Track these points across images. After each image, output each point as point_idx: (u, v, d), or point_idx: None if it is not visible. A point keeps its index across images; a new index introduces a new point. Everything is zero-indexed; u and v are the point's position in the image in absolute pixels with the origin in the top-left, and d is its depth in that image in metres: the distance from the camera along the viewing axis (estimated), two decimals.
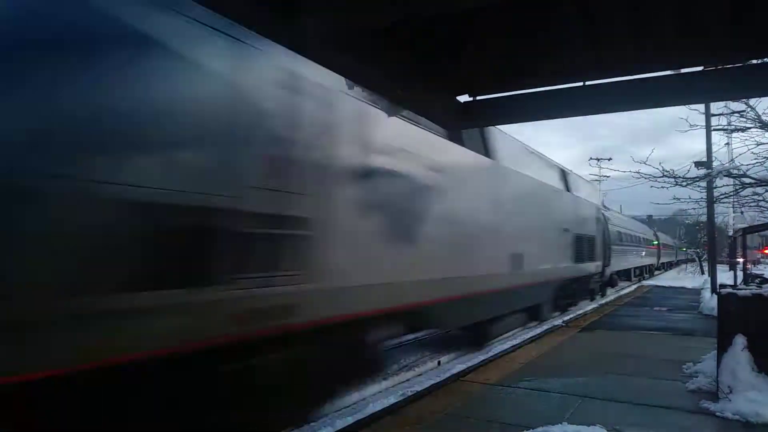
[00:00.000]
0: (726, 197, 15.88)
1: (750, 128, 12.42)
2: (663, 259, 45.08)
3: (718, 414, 5.31)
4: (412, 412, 5.41)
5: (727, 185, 14.96)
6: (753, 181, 12.31)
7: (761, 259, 44.22)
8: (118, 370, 3.23)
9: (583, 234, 14.90)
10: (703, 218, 24.72)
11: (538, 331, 11.30)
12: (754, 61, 4.42)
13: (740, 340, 5.80)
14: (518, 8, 3.71)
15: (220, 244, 3.79)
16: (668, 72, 4.32)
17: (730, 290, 6.27)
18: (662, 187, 12.88)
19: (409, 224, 6.23)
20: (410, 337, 9.03)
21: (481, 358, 8.44)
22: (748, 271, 17.51)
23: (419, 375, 8.33)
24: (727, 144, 17.11)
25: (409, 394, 6.33)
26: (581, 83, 4.37)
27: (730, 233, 27.32)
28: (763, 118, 11.69)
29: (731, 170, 12.83)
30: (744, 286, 7.59)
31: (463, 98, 4.82)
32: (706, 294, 16.87)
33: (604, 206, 23.97)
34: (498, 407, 5.58)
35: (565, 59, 4.23)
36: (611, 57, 4.17)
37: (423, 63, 4.04)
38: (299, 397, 5.00)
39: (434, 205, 6.74)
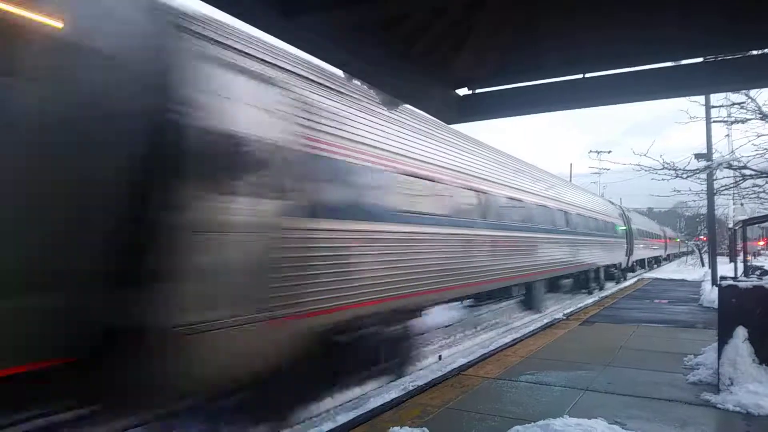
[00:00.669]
0: (726, 189, 15.84)
1: (750, 120, 12.38)
2: (669, 251, 50.96)
3: (719, 406, 5.32)
4: (414, 406, 5.42)
5: (728, 177, 14.93)
6: (753, 172, 12.28)
7: (761, 251, 44.24)
8: None
9: (618, 239, 24.56)
10: (703, 210, 24.73)
11: (539, 324, 11.31)
12: (755, 52, 4.39)
13: (741, 332, 5.80)
14: (519, 1, 3.69)
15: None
16: (669, 63, 4.30)
17: (730, 282, 6.27)
18: (662, 179, 12.84)
19: (571, 243, 15.88)
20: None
21: (482, 352, 8.45)
22: (749, 263, 17.49)
23: (420, 369, 8.34)
24: (727, 136, 17.07)
25: (411, 388, 6.34)
26: (581, 75, 4.35)
27: (731, 225, 27.29)
28: (764, 109, 11.64)
29: (731, 162, 12.79)
30: (744, 278, 7.58)
31: (462, 91, 4.80)
32: (707, 286, 16.87)
33: (626, 209, 31.08)
34: (499, 401, 5.59)
35: (565, 52, 4.21)
36: (612, 49, 4.14)
37: (422, 57, 4.02)
38: None
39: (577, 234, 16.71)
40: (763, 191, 13.78)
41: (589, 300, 16.25)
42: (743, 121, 12.57)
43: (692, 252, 56.32)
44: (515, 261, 11.45)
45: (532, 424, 4.65)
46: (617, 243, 23.85)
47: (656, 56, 4.16)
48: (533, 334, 9.77)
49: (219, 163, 4.51)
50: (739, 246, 18.12)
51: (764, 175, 12.26)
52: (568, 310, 13.52)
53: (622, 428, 4.55)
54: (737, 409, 5.20)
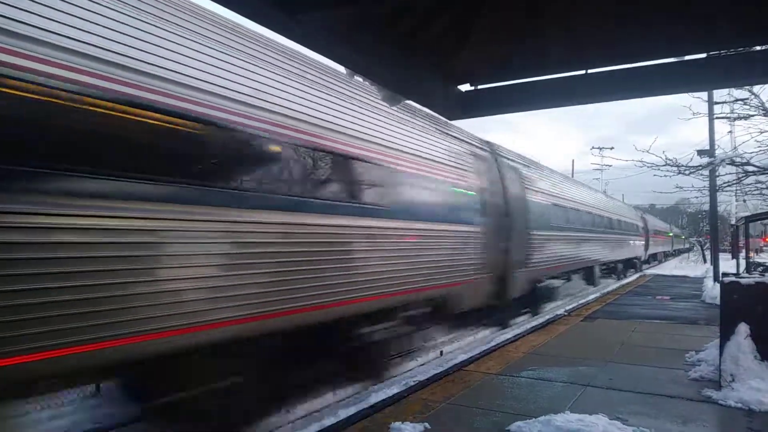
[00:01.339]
0: (729, 186, 15.81)
1: (753, 116, 12.35)
2: (675, 247, 61.39)
3: (720, 402, 5.32)
4: (415, 401, 5.43)
5: (730, 173, 14.90)
6: (756, 169, 12.25)
7: (764, 248, 44.16)
8: None
9: (640, 237, 31.44)
10: (706, 207, 24.77)
11: (541, 320, 11.31)
12: (758, 48, 4.37)
13: (743, 328, 5.80)
14: None
15: None
16: (672, 59, 4.28)
17: (732, 278, 6.26)
18: (665, 175, 12.83)
19: (608, 242, 21.40)
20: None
21: (483, 347, 8.46)
22: (751, 260, 17.47)
23: (421, 365, 8.36)
24: (730, 132, 17.02)
25: (412, 383, 6.35)
26: (584, 71, 4.33)
27: (733, 222, 27.26)
28: (767, 105, 11.61)
29: (734, 158, 12.76)
30: (747, 275, 7.58)
31: (465, 87, 4.78)
32: (709, 283, 16.85)
33: (645, 212, 39.79)
34: (500, 396, 5.60)
35: (568, 47, 4.19)
36: (615, 44, 4.12)
37: (424, 53, 4.01)
38: None
39: (611, 235, 22.01)
40: (766, 188, 13.74)
41: (591, 296, 16.26)
42: (746, 117, 12.56)
43: (692, 248, 64.17)
44: (594, 253, 18.94)
45: (534, 419, 4.66)
46: (639, 240, 31.41)
47: (659, 52, 4.14)
48: (534, 330, 9.77)
49: (528, 208, 11.93)
50: (742, 243, 18.09)
51: (767, 172, 12.23)
52: (570, 306, 13.52)
53: (624, 424, 4.55)
54: (739, 405, 5.20)
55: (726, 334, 5.88)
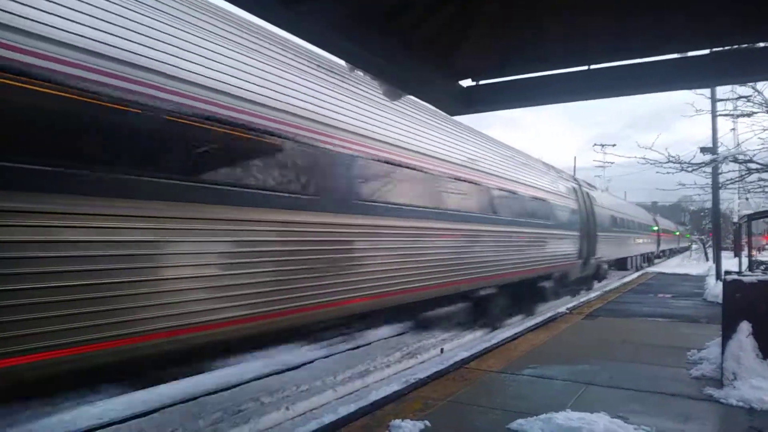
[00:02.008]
0: (731, 183, 15.77)
1: (756, 113, 12.31)
2: (681, 244, 66.51)
3: (722, 401, 5.29)
4: (415, 399, 5.41)
5: (733, 171, 14.85)
6: (759, 166, 12.21)
7: (766, 246, 44.06)
8: None
9: (653, 236, 37.84)
10: (708, 204, 24.74)
11: (542, 318, 11.29)
12: (762, 44, 4.33)
13: (745, 327, 5.77)
14: None
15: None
16: (674, 55, 4.24)
17: (735, 277, 6.23)
18: (667, 173, 12.79)
19: (636, 240, 29.80)
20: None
21: (484, 345, 8.44)
22: (753, 258, 17.42)
23: (422, 362, 8.35)
24: (733, 129, 16.97)
25: (412, 381, 6.33)
26: (586, 67, 4.29)
27: (735, 219, 27.20)
28: None
29: (737, 155, 12.72)
30: (749, 273, 7.54)
31: (466, 83, 4.75)
32: (711, 281, 16.81)
33: (655, 214, 46.53)
34: (501, 394, 5.58)
35: (570, 43, 4.16)
36: (617, 40, 4.09)
37: (425, 47, 3.98)
38: None
39: (637, 235, 30.12)
40: None
41: (592, 294, 16.24)
42: (749, 114, 12.52)
43: (689, 247, 67.99)
44: (629, 248, 26.93)
45: (535, 417, 4.64)
46: (654, 238, 38.64)
47: (662, 48, 4.11)
48: (536, 327, 9.75)
49: (595, 218, 18.49)
50: (744, 241, 18.04)
51: None
52: (571, 304, 13.50)
53: (625, 422, 4.52)
54: (740, 404, 5.17)
55: (728, 333, 5.85)
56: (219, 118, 4.86)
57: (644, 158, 12.66)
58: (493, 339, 9.09)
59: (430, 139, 8.66)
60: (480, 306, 10.44)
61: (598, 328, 9.69)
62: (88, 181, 3.82)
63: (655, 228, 39.26)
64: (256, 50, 5.58)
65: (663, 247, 45.87)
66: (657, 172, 12.85)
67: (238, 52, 5.28)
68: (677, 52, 4.18)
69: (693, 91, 12.66)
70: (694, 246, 62.10)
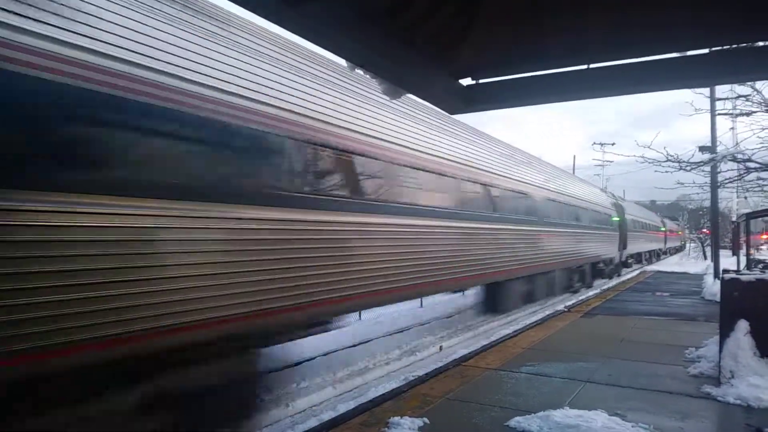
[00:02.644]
0: (730, 182, 15.78)
1: (755, 112, 12.31)
2: (684, 242, 72.14)
3: (719, 399, 5.32)
4: (414, 396, 5.43)
5: (731, 170, 14.86)
6: (758, 165, 12.22)
7: (764, 245, 44.13)
8: None
9: (660, 235, 42.67)
10: (707, 203, 24.84)
11: (541, 316, 11.32)
12: (761, 43, 4.34)
13: (743, 325, 5.79)
14: None
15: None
16: (674, 54, 4.25)
17: (733, 275, 6.25)
18: (666, 171, 12.80)
19: (650, 238, 37.06)
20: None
21: (483, 343, 8.46)
22: (751, 257, 17.44)
23: (421, 360, 8.37)
24: (732, 128, 16.97)
25: (411, 378, 6.35)
26: (586, 66, 4.30)
27: (734, 218, 27.23)
28: None
29: (736, 154, 12.72)
30: (747, 271, 7.56)
31: (466, 81, 4.75)
32: (709, 279, 16.84)
33: (662, 215, 51.22)
34: (499, 392, 5.60)
35: (569, 41, 4.17)
36: (616, 39, 4.10)
37: (426, 45, 3.98)
38: None
39: (651, 234, 37.50)
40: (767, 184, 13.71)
41: (591, 292, 16.27)
42: (748, 113, 12.51)
43: (683, 245, 68.89)
44: (646, 245, 34.83)
45: (533, 414, 4.67)
46: (662, 237, 44.60)
47: (662, 46, 4.11)
48: (535, 325, 9.78)
49: (626, 223, 25.91)
50: (742, 239, 18.05)
51: None
52: (570, 303, 13.52)
53: (622, 420, 4.55)
54: (738, 402, 5.20)
55: (726, 331, 5.88)
56: None
57: (643, 157, 12.66)
58: (491, 336, 9.12)
59: (535, 173, 13.87)
60: (577, 272, 18.09)
61: (597, 326, 9.72)
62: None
63: (663, 228, 46.04)
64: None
65: (669, 245, 53.05)
66: (656, 171, 12.85)
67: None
68: (676, 51, 4.18)
69: (692, 90, 12.68)
70: (692, 245, 61.33)
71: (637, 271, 26.20)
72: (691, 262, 36.93)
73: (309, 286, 5.37)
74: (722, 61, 4.24)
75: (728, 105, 14.97)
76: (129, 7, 4.07)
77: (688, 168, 12.98)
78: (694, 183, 15.14)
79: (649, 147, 12.29)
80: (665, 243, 47.96)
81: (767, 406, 5.07)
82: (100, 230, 3.61)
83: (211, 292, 4.32)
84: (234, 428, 5.04)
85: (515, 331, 9.12)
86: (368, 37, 3.48)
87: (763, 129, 12.23)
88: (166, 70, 4.16)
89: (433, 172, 7.92)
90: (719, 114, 15.89)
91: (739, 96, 12.48)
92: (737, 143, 13.72)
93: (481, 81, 4.72)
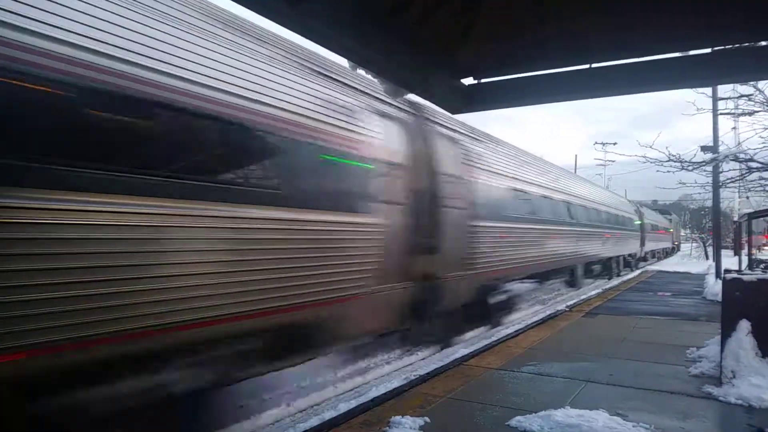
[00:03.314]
0: (732, 182, 15.76)
1: (758, 112, 12.30)
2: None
3: (721, 399, 5.32)
4: (415, 395, 5.43)
5: (734, 170, 14.84)
6: (760, 165, 12.20)
7: (766, 245, 44.06)
8: None
9: (671, 236, 48.63)
10: (709, 203, 24.78)
11: (542, 316, 11.32)
12: (764, 43, 4.34)
13: (744, 325, 5.78)
14: None
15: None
16: (676, 54, 4.25)
17: (735, 275, 6.24)
18: (668, 171, 12.79)
19: (661, 238, 42.22)
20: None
21: (484, 342, 8.46)
22: (753, 257, 17.42)
23: (422, 359, 8.36)
24: (734, 128, 16.95)
25: (412, 378, 6.36)
26: (587, 65, 4.30)
27: (736, 218, 27.20)
28: None
29: (738, 154, 12.71)
30: (749, 271, 7.55)
31: (468, 81, 4.76)
32: (710, 279, 16.81)
33: (675, 216, 54.36)
34: (501, 391, 5.60)
35: (571, 41, 4.17)
36: (618, 38, 4.10)
37: (427, 45, 3.99)
38: None
39: (663, 235, 42.24)
40: None
41: (593, 292, 16.26)
42: (751, 113, 12.50)
43: (677, 245, 67.09)
44: (658, 244, 39.76)
45: (534, 414, 4.67)
46: (672, 236, 48.91)
47: (664, 46, 4.11)
48: (536, 325, 9.77)
49: (645, 226, 33.27)
50: (744, 239, 18.03)
51: None
52: (572, 302, 13.52)
53: (623, 419, 4.55)
54: (739, 402, 5.20)
55: (727, 331, 5.87)
56: None
57: (645, 157, 12.66)
58: (493, 336, 9.12)
59: (603, 196, 22.06)
60: (618, 262, 23.44)
61: (598, 325, 9.72)
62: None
63: (671, 229, 49.48)
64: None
65: (678, 242, 56.68)
66: (657, 171, 12.85)
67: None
68: (679, 51, 4.18)
69: (694, 89, 12.67)
70: (693, 244, 60.66)
71: (639, 271, 26.18)
72: (693, 262, 36.88)
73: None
74: (724, 60, 4.24)
75: (730, 105, 14.95)
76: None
77: (690, 168, 12.99)
78: (696, 183, 15.14)
79: (651, 147, 12.29)
80: (674, 242, 52.83)
81: None
82: None
83: None
84: None
85: (516, 331, 9.12)
86: (370, 36, 3.48)
87: (766, 129, 12.23)
88: None
89: (556, 199, 13.88)
90: (721, 114, 15.88)
91: (742, 95, 12.46)
92: (739, 143, 13.71)
93: (482, 80, 4.72)
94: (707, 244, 40.69)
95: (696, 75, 4.42)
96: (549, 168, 15.48)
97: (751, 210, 17.84)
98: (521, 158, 12.64)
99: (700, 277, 20.34)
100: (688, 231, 73.93)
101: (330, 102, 5.68)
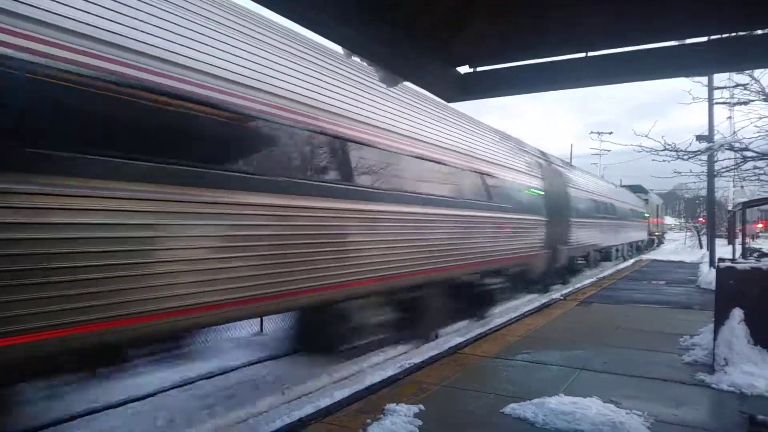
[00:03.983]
0: (727, 171, 15.81)
1: (753, 101, 12.32)
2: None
3: (713, 386, 5.36)
4: (410, 383, 5.46)
5: (728, 159, 14.89)
6: (755, 154, 12.24)
7: (760, 233, 44.34)
8: None
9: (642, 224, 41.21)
10: (703, 192, 24.82)
11: (537, 304, 11.37)
12: (760, 32, 4.32)
13: (737, 313, 5.82)
14: None
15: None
16: (672, 43, 4.23)
17: (728, 264, 6.27)
18: (663, 160, 12.81)
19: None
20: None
21: (479, 331, 8.50)
22: (747, 245, 17.51)
23: (417, 348, 8.40)
24: (729, 117, 16.97)
25: (407, 366, 6.39)
26: (584, 54, 4.28)
27: (730, 207, 27.31)
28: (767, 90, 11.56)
29: (733, 144, 12.74)
30: (743, 260, 7.59)
31: (464, 69, 4.73)
32: (704, 268, 16.93)
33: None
34: (495, 379, 5.64)
35: (568, 29, 4.14)
36: (615, 27, 4.07)
37: (423, 33, 3.96)
38: None
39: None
40: (764, 173, 13.74)
41: (587, 281, 16.33)
42: (746, 102, 12.52)
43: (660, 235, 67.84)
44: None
45: (528, 401, 4.70)
46: (644, 224, 46.20)
47: (660, 35, 4.09)
48: (531, 313, 9.82)
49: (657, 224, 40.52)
50: (738, 228, 18.12)
51: (765, 157, 12.22)
52: (566, 291, 13.58)
53: (617, 407, 4.59)
54: (731, 389, 5.25)
55: (720, 319, 5.91)
56: None
57: (640, 146, 12.67)
58: (487, 324, 9.16)
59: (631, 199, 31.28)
60: (633, 246, 28.46)
61: (592, 314, 9.77)
62: None
63: (647, 213, 38.24)
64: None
65: (658, 231, 44.29)
66: (653, 160, 12.88)
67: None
68: (675, 40, 4.16)
69: (690, 78, 12.66)
70: (688, 233, 58.11)
71: (633, 260, 26.27)
72: (687, 251, 37.06)
73: None
74: (720, 49, 4.22)
75: (726, 94, 14.96)
76: None
77: (686, 157, 13.01)
78: (690, 172, 15.18)
79: (646, 136, 12.31)
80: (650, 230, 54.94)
81: (760, 393, 5.12)
82: None
83: None
84: None
85: (511, 320, 9.17)
86: (365, 24, 3.45)
87: (761, 118, 12.25)
88: None
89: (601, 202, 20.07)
90: (717, 103, 15.88)
91: (738, 85, 12.47)
92: (734, 132, 13.73)
93: (478, 69, 4.69)
94: (701, 233, 40.91)
95: (692, 64, 4.40)
96: (599, 181, 25.13)
97: (745, 199, 17.92)
98: (589, 177, 22.17)
99: (694, 266, 20.48)
100: (681, 220, 73.89)
101: (529, 163, 13.34)
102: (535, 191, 13.20)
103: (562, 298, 12.01)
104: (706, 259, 18.45)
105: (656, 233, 42.06)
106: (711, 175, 16.52)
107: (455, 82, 4.72)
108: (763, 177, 14.15)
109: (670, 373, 5.81)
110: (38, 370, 4.11)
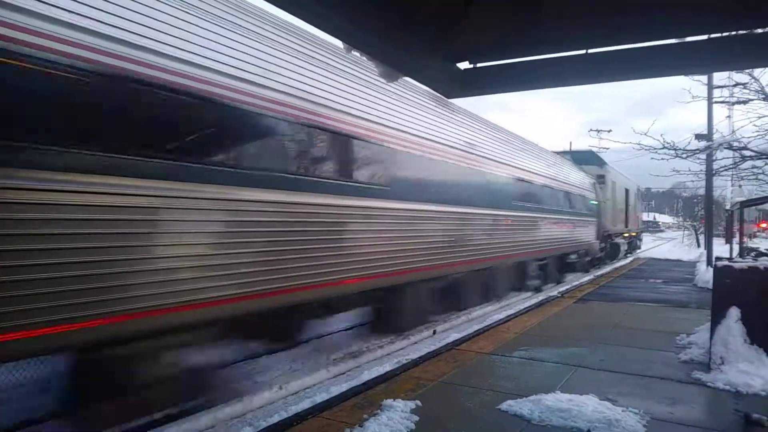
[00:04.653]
0: (725, 170, 15.81)
1: (752, 100, 12.32)
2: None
3: (709, 384, 5.38)
4: (407, 379, 5.47)
5: (727, 158, 14.89)
6: (753, 153, 12.25)
7: (758, 233, 44.46)
8: None
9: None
10: (701, 191, 24.81)
11: (534, 301, 11.38)
12: (760, 31, 4.31)
13: (734, 312, 5.83)
14: None
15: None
16: (673, 40, 4.22)
17: (725, 262, 6.28)
18: (662, 159, 12.82)
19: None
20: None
21: (476, 327, 8.51)
22: (744, 245, 17.55)
23: (414, 343, 8.41)
24: (728, 116, 16.96)
25: (404, 362, 6.39)
26: (584, 51, 4.27)
27: (728, 206, 27.35)
28: (767, 89, 11.56)
29: (731, 143, 12.74)
30: (740, 259, 7.60)
31: (464, 65, 4.71)
32: (702, 266, 16.94)
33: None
34: (492, 376, 5.64)
35: (568, 26, 4.13)
36: (615, 24, 4.06)
37: (423, 28, 3.94)
38: None
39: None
40: (762, 173, 13.76)
41: (585, 278, 16.36)
42: (745, 101, 12.52)
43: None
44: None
45: (524, 398, 4.71)
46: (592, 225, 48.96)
47: (660, 33, 4.08)
48: (528, 310, 9.83)
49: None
50: (736, 227, 18.15)
51: (764, 157, 12.23)
52: (563, 288, 13.60)
53: (613, 404, 4.59)
54: (727, 387, 5.26)
55: (717, 318, 5.92)
56: None
57: (639, 144, 12.67)
58: (485, 321, 9.17)
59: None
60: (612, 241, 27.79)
61: (589, 312, 9.79)
62: None
63: (594, 201, 22.48)
64: None
65: (630, 231, 28.95)
66: (652, 158, 12.88)
67: None
68: (675, 38, 4.15)
69: (690, 77, 12.65)
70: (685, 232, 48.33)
71: (630, 258, 26.33)
72: (684, 249, 37.11)
73: None
74: (720, 48, 4.21)
75: (725, 93, 14.95)
76: None
77: (684, 155, 13.01)
78: (689, 171, 15.18)
79: (645, 134, 12.31)
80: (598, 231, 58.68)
81: (756, 391, 5.13)
82: None
83: None
84: None
85: (508, 317, 9.18)
86: (364, 17, 3.43)
87: (760, 117, 12.25)
88: None
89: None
90: (716, 102, 15.87)
91: (737, 84, 12.46)
92: (733, 131, 13.73)
93: (478, 65, 4.67)
94: (699, 232, 40.88)
95: (692, 62, 4.39)
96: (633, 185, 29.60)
97: (743, 198, 17.94)
98: (631, 181, 28.67)
99: (692, 265, 20.51)
100: (680, 218, 73.71)
101: (585, 180, 20.15)
102: None
103: (559, 295, 12.02)
104: (704, 257, 18.48)
105: (624, 233, 26.32)
106: (710, 173, 16.53)
107: (455, 78, 4.71)
108: (761, 176, 14.17)
109: (666, 372, 5.82)
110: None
